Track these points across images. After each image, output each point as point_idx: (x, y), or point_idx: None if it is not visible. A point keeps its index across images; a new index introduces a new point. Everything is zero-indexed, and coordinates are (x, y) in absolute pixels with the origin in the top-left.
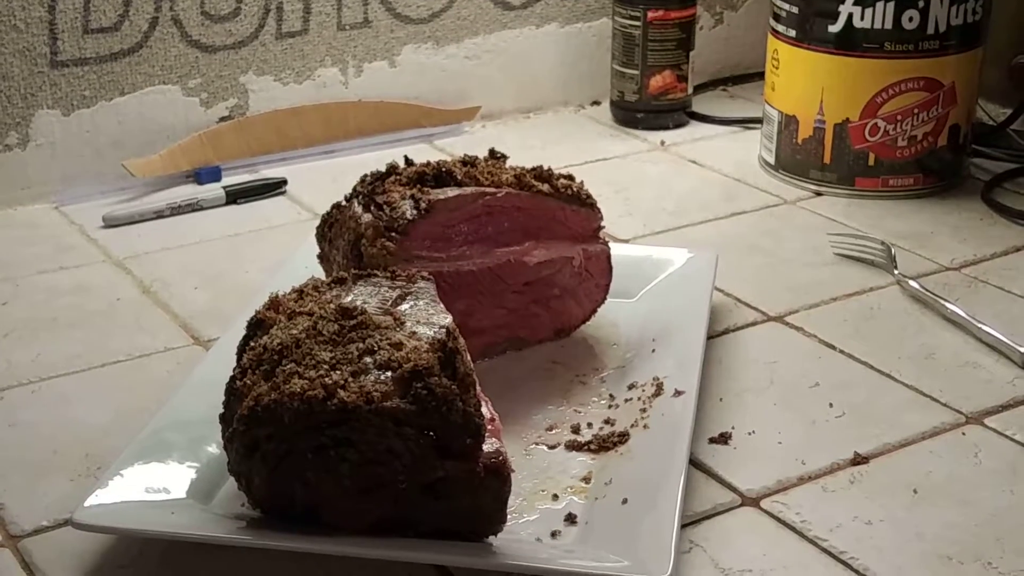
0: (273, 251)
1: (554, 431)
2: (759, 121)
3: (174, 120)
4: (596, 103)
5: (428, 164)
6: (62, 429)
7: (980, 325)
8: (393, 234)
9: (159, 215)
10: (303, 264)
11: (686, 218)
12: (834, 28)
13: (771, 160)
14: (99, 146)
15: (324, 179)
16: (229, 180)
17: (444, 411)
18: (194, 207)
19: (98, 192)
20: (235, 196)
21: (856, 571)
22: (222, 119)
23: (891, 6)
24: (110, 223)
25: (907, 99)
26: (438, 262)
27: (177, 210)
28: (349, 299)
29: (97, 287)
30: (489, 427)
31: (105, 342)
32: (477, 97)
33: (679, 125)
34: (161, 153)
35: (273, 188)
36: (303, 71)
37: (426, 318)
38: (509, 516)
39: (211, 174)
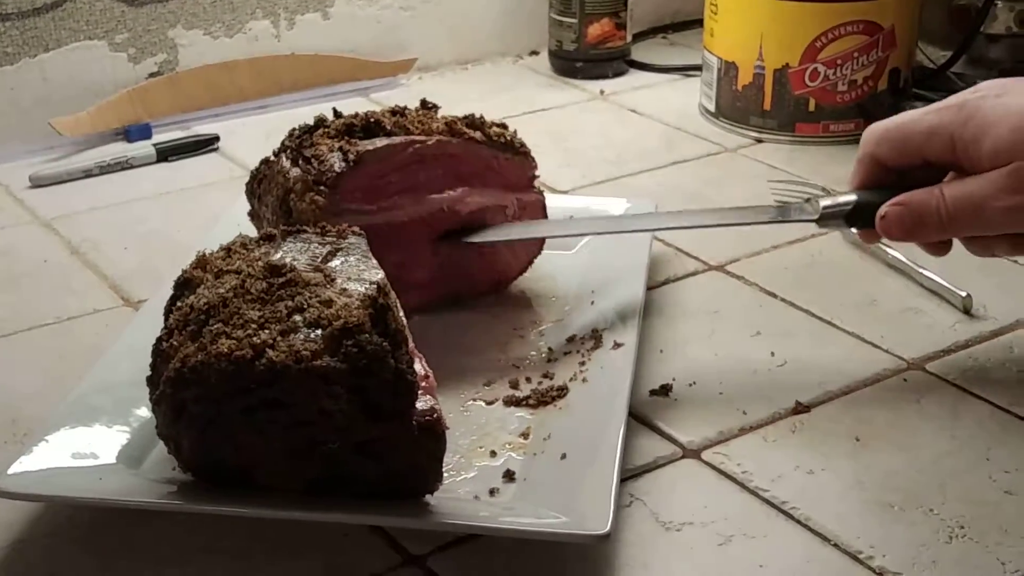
0: (206, 209)
1: (492, 386)
2: (699, 68)
3: (102, 77)
4: (535, 53)
5: (356, 115)
6: None
7: (921, 270)
8: (322, 188)
9: (88, 174)
10: (235, 222)
11: (626, 168)
12: None
13: (711, 108)
14: (24, 104)
15: (257, 135)
16: (160, 137)
17: (375, 369)
18: (124, 165)
19: (24, 152)
20: (166, 154)
21: (798, 521)
22: (151, 75)
23: None
24: (37, 183)
25: (847, 43)
26: (369, 214)
27: (106, 169)
28: (278, 256)
29: (24, 249)
30: (423, 384)
31: (32, 305)
32: (413, 49)
33: (618, 74)
34: (89, 111)
35: (205, 145)
36: (233, 24)
37: (357, 274)
38: (446, 474)
39: (141, 131)
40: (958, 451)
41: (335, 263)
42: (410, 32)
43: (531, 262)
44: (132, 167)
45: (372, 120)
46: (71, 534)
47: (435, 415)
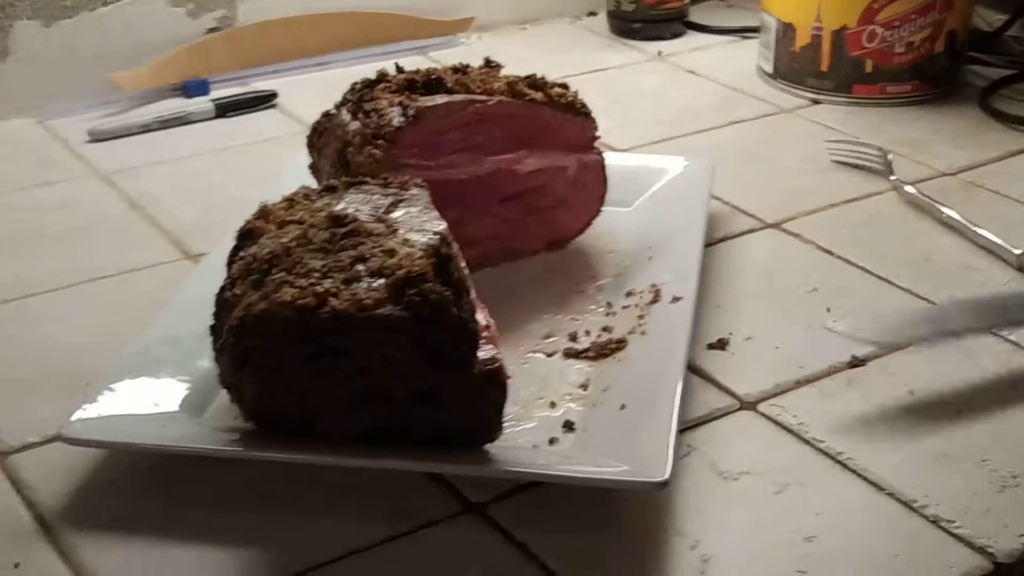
0: (264, 165)
1: (551, 339)
2: (757, 30)
3: (160, 32)
4: (592, 14)
5: (418, 71)
6: (49, 346)
7: (976, 229)
8: (380, 141)
9: (146, 129)
10: (295, 176)
11: (683, 128)
12: None
13: (769, 69)
14: (83, 59)
15: (315, 91)
16: (218, 93)
17: (438, 317)
18: (182, 120)
19: (83, 106)
20: (224, 109)
21: (853, 470)
22: (210, 30)
23: None
24: (96, 137)
25: (904, 5)
26: (427, 170)
27: (165, 123)
28: (340, 207)
29: (83, 202)
30: (485, 334)
31: (91, 258)
32: (471, 8)
33: (676, 35)
34: (148, 65)
35: (263, 101)
36: None
37: (419, 225)
38: (506, 424)
39: (199, 87)
40: (1011, 402)
41: (397, 214)
42: None
43: (590, 222)
44: (191, 122)
45: (433, 77)
46: (133, 480)
47: (497, 364)
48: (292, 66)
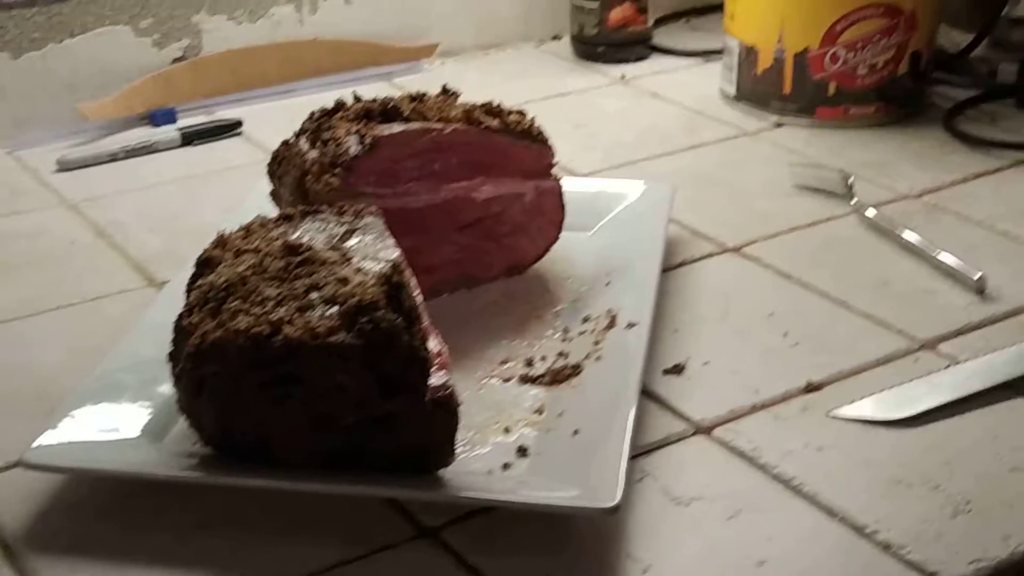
0: (229, 192)
1: (508, 365)
2: (720, 53)
3: (127, 62)
4: (557, 38)
5: (375, 100)
6: (15, 371)
7: (936, 252)
8: (337, 170)
9: (114, 158)
10: (258, 204)
11: (646, 151)
12: None
13: (732, 92)
14: (51, 89)
15: (281, 119)
16: (184, 122)
17: (389, 344)
18: (149, 149)
19: (52, 136)
20: (190, 138)
21: (805, 496)
22: (176, 60)
23: None
24: (64, 167)
25: (867, 26)
26: (384, 198)
27: (132, 152)
28: (296, 235)
29: (51, 231)
30: (437, 360)
31: (59, 285)
32: (435, 34)
33: (640, 58)
34: (114, 95)
35: (229, 129)
36: (257, 9)
37: (373, 253)
38: (461, 449)
39: (166, 116)
40: (965, 429)
41: (352, 242)
42: (432, 17)
43: (548, 248)
44: (157, 151)
45: (390, 105)
46: (93, 505)
47: (448, 390)
48: (257, 94)
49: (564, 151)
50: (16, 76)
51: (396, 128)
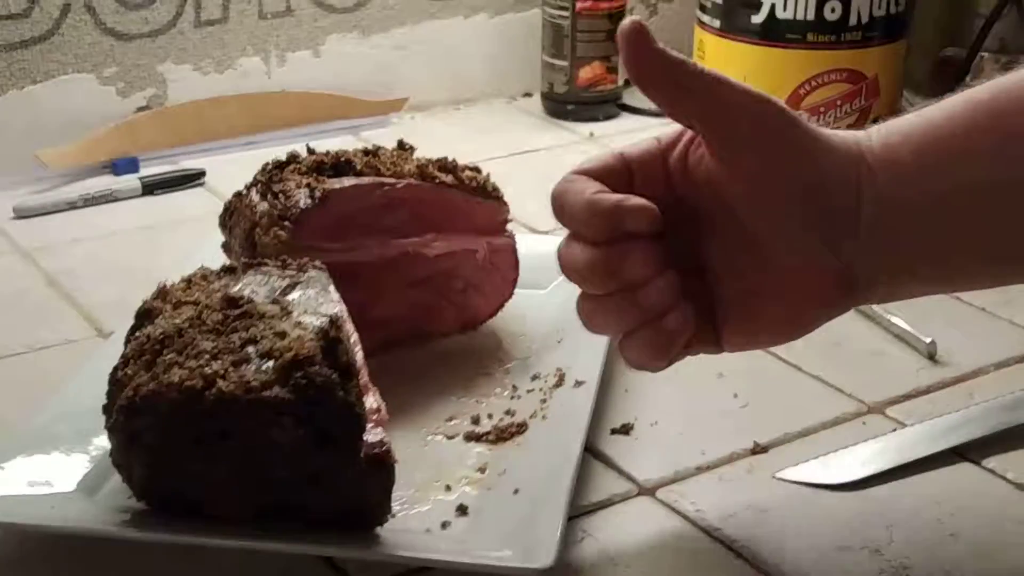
0: (188, 243)
1: (453, 422)
2: None
3: (90, 110)
4: (527, 95)
5: (327, 154)
6: None
7: (888, 316)
8: (286, 223)
9: (72, 206)
10: (214, 256)
11: None
12: (757, 19)
13: None
14: (11, 136)
15: (245, 171)
16: (147, 171)
17: (324, 400)
18: (109, 198)
19: (9, 182)
20: (152, 187)
21: (747, 559)
22: (140, 109)
23: None
24: (20, 214)
25: (830, 91)
26: (333, 252)
27: (91, 201)
28: (237, 288)
29: (2, 278)
30: (373, 417)
31: (5, 334)
32: (406, 88)
33: (609, 117)
34: (76, 143)
35: (191, 179)
36: (224, 60)
37: (314, 307)
38: (401, 507)
39: (128, 165)
40: (908, 494)
41: (293, 296)
42: (402, 71)
43: (502, 305)
44: (117, 200)
45: (343, 159)
46: (24, 563)
47: (384, 447)
48: (222, 145)
49: (530, 207)
50: None
51: (347, 182)
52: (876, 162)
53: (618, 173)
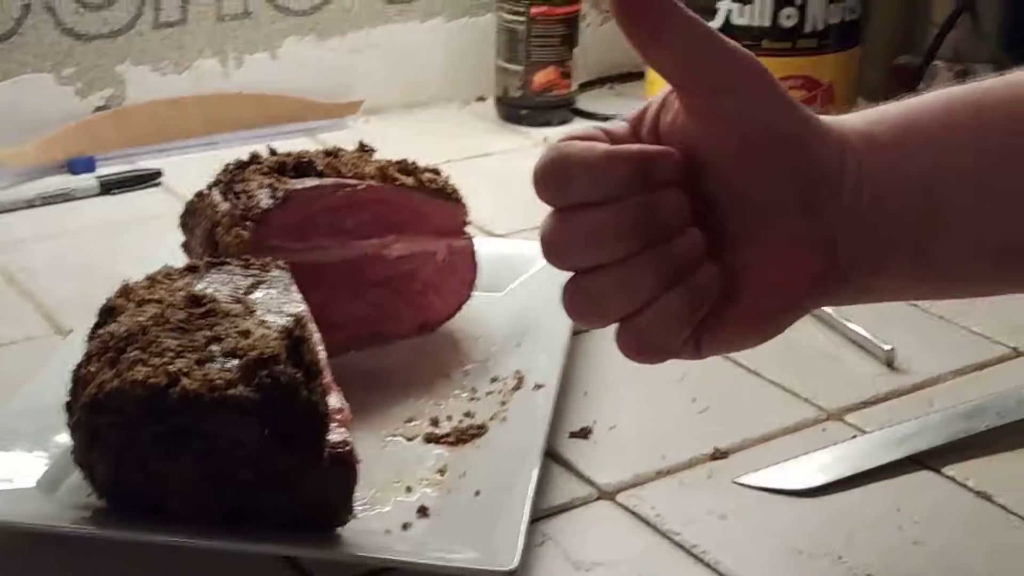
0: (146, 242)
1: (413, 423)
2: None
3: (48, 109)
4: (481, 99)
5: (289, 154)
6: None
7: (846, 322)
8: (248, 223)
9: (30, 205)
10: (173, 255)
11: None
12: (713, 24)
13: None
14: None
15: (201, 170)
16: (104, 170)
17: (288, 399)
18: (66, 197)
19: None
20: (109, 187)
21: (707, 564)
22: (98, 109)
23: (769, 3)
24: None
25: None
26: (294, 253)
27: (48, 200)
28: (200, 287)
29: None
30: (337, 417)
31: None
32: (361, 91)
33: (563, 122)
34: (34, 143)
35: (148, 179)
36: (182, 61)
37: (277, 307)
38: (361, 508)
39: (85, 164)
40: (868, 500)
41: (257, 295)
42: (358, 74)
43: (460, 307)
44: (75, 199)
45: (304, 160)
46: None
47: (347, 447)
48: (180, 145)
49: (483, 211)
50: None
51: (309, 183)
52: (855, 135)
53: (602, 142)
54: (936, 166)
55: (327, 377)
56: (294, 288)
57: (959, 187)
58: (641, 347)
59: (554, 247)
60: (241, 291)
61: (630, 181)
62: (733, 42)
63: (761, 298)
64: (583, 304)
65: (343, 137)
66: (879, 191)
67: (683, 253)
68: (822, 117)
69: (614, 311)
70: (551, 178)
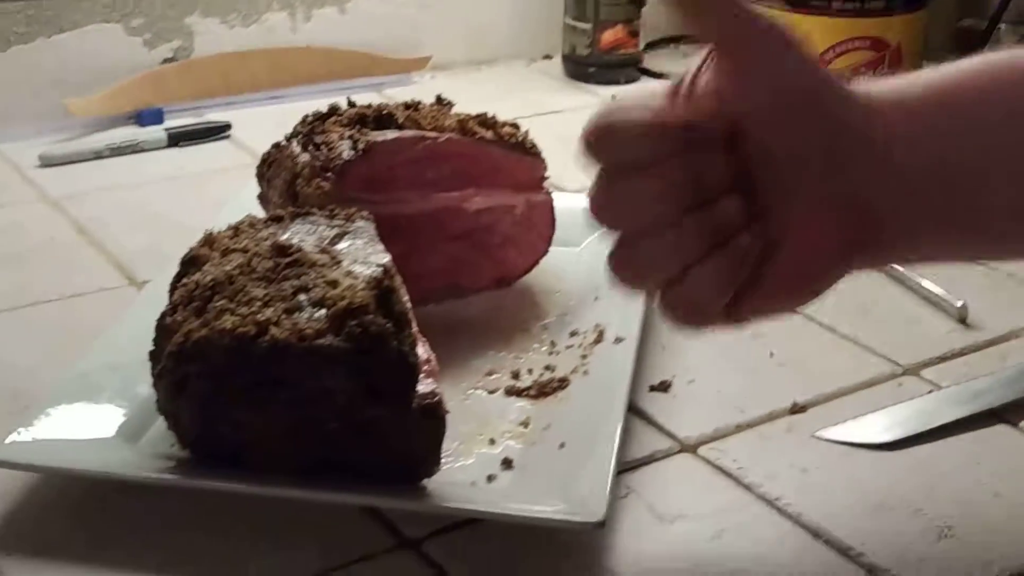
0: (214, 194)
1: (493, 376)
2: None
3: (116, 60)
4: (548, 57)
5: (369, 106)
6: None
7: (919, 280)
8: (329, 174)
9: (98, 156)
10: (243, 206)
11: None
12: None
13: None
14: (37, 84)
15: (269, 124)
16: (172, 123)
17: (378, 350)
18: (135, 149)
19: (35, 131)
20: (177, 139)
21: (789, 516)
22: (166, 60)
23: None
24: (47, 162)
25: (854, 58)
26: (375, 204)
27: (117, 151)
28: (285, 236)
29: (30, 226)
30: (425, 368)
31: (37, 281)
32: (428, 47)
33: (630, 80)
34: (102, 93)
35: (216, 132)
36: (250, 14)
37: (363, 257)
38: (445, 460)
39: (153, 116)
40: (945, 454)
41: (342, 245)
42: (425, 30)
43: (537, 261)
44: (143, 151)
45: (384, 112)
46: (64, 506)
47: (436, 398)
48: (247, 99)
49: (553, 168)
50: (2, 69)
51: (390, 135)
52: (882, 99)
53: (647, 106)
54: (968, 128)
55: (414, 328)
56: (378, 239)
57: (992, 147)
58: (684, 311)
59: (602, 207)
60: (326, 241)
61: (674, 144)
62: (763, 9)
63: (796, 261)
64: (628, 267)
65: (409, 93)
66: (910, 152)
67: (725, 217)
68: (850, 83)
69: (659, 272)
70: (599, 140)
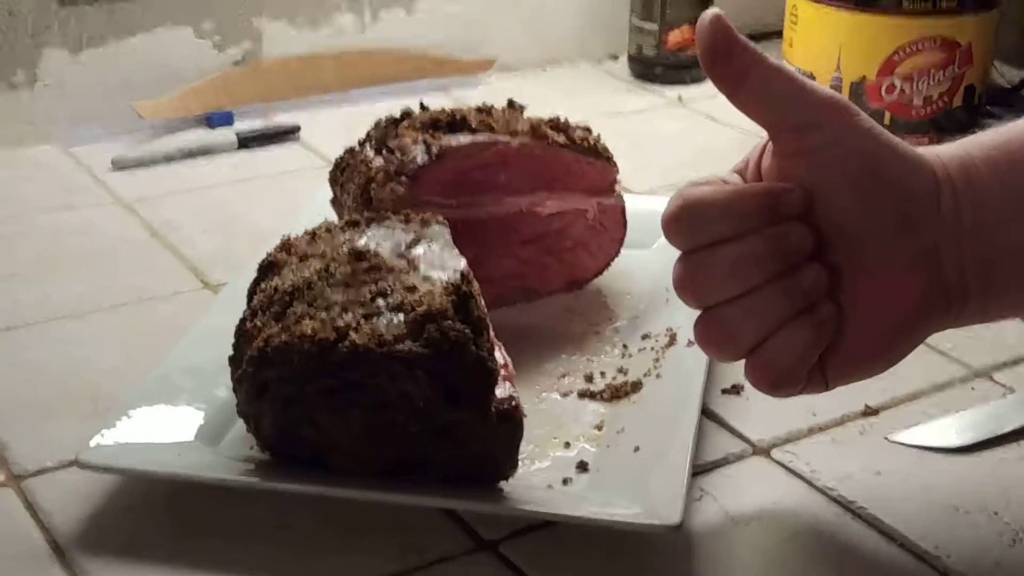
0: (285, 197)
1: (566, 379)
2: None
3: (186, 62)
4: (614, 57)
5: (443, 111)
6: (67, 370)
7: None
8: (403, 178)
9: (169, 158)
10: (315, 210)
11: (703, 172)
12: None
13: None
14: (108, 87)
15: (338, 126)
16: (241, 125)
17: (457, 355)
18: (205, 151)
19: (107, 134)
20: (247, 141)
21: (864, 520)
22: (235, 63)
23: None
24: (119, 166)
25: (924, 58)
26: (448, 208)
27: (187, 154)
28: (362, 242)
29: (104, 229)
30: (502, 372)
31: (111, 284)
32: (494, 48)
33: (697, 80)
34: (172, 96)
35: (286, 134)
36: (318, 16)
37: (440, 262)
38: (521, 463)
39: (223, 119)
40: (1021, 458)
41: (418, 250)
42: (491, 31)
43: (608, 264)
44: (213, 153)
45: (458, 116)
46: (148, 508)
47: (514, 403)
48: (315, 101)
49: (621, 169)
50: (75, 73)
51: (463, 139)
52: (948, 157)
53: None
54: None
55: (491, 332)
56: (453, 244)
57: None
58: (772, 377)
59: (692, 286)
60: (403, 246)
61: (759, 215)
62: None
63: (873, 325)
64: (717, 334)
65: (477, 94)
66: (978, 209)
67: (809, 283)
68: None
69: (746, 339)
70: (681, 221)
